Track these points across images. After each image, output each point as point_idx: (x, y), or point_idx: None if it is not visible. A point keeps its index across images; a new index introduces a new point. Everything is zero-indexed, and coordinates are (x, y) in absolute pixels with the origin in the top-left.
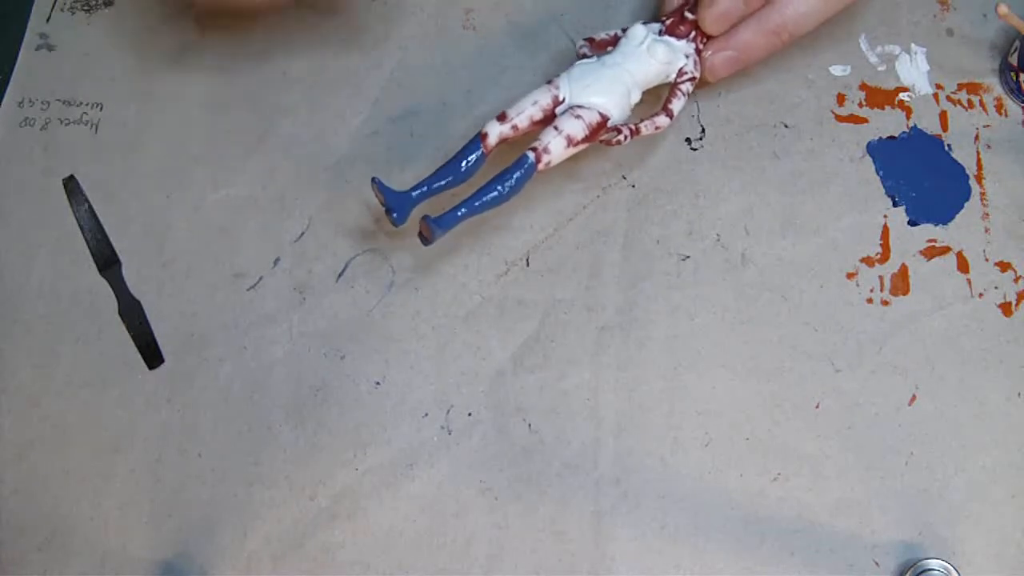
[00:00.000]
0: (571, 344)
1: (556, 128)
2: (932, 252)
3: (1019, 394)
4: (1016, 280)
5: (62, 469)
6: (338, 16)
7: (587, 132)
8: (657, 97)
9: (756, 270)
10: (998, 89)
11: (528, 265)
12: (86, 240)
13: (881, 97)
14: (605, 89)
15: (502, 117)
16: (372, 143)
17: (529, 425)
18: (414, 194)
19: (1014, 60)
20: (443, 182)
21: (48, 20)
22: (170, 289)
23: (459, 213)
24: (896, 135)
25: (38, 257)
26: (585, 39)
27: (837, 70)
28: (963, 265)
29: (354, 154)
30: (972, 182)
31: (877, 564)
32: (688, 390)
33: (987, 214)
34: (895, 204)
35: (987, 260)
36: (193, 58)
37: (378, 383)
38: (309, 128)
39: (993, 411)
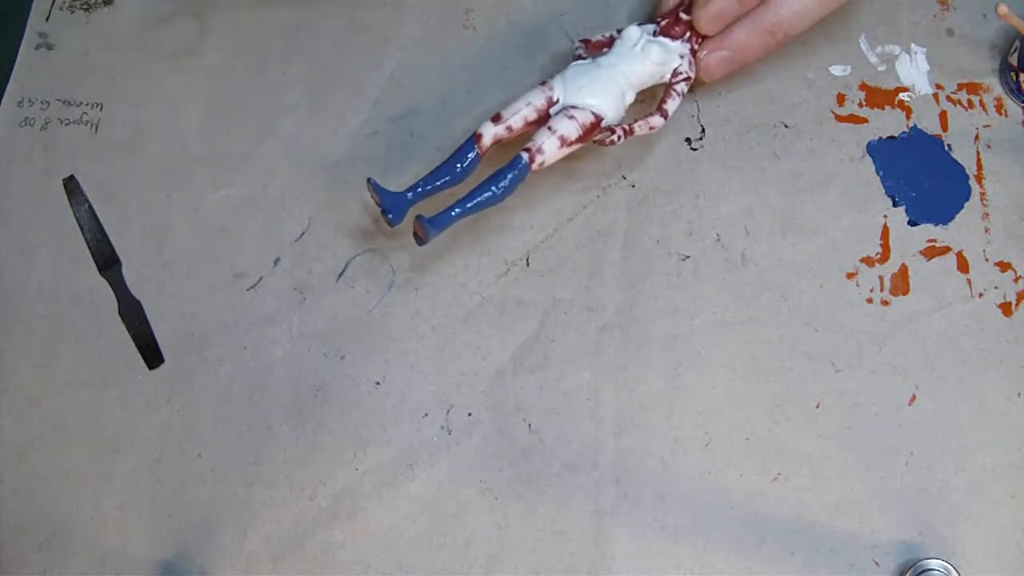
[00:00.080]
0: (571, 344)
1: (550, 128)
2: (932, 252)
3: (1019, 394)
4: (1016, 280)
5: (62, 469)
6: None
7: (580, 132)
8: (653, 98)
9: (756, 270)
10: (998, 89)
11: (528, 265)
12: (86, 240)
13: (881, 97)
14: (599, 90)
15: (496, 118)
16: (372, 143)
17: (529, 425)
18: (409, 195)
19: (1014, 60)
20: (438, 183)
21: (47, 19)
22: (170, 289)
23: (453, 213)
24: (896, 135)
25: (38, 257)
26: (580, 40)
27: (837, 70)
28: (963, 265)
29: (354, 154)
30: (972, 182)
31: (877, 564)
32: (688, 390)
33: (987, 214)
34: (895, 204)
35: (987, 260)
36: (193, 58)
37: (378, 383)
38: (309, 128)
39: (993, 411)
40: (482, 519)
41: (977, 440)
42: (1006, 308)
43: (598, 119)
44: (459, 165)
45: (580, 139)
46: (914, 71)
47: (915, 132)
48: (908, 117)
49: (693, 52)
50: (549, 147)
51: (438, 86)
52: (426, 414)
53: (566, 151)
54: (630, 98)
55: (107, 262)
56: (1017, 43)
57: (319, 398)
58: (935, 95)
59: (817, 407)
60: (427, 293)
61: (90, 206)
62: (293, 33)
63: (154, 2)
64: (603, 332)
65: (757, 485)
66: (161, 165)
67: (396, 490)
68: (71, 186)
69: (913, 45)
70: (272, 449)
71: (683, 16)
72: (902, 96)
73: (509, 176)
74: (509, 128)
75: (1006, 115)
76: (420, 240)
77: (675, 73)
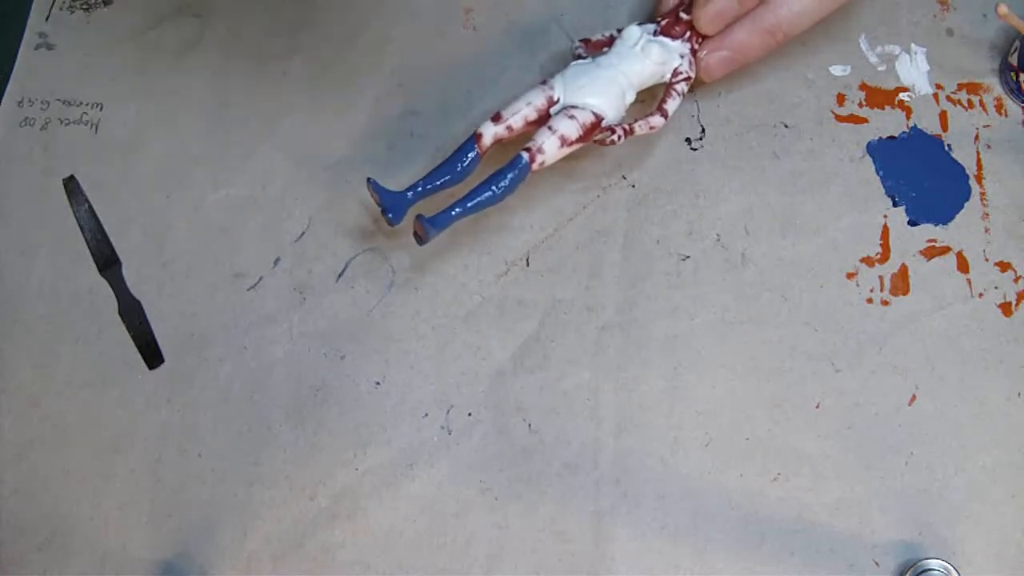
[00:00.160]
0: (571, 344)
1: (550, 128)
2: (932, 252)
3: (1019, 394)
4: (1016, 280)
5: (62, 469)
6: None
7: (581, 132)
8: (653, 97)
9: (756, 270)
10: (998, 89)
11: (528, 265)
12: (86, 240)
13: (881, 97)
14: (599, 90)
15: (496, 118)
16: (372, 143)
17: (529, 425)
18: (409, 194)
19: (1014, 60)
20: (438, 182)
21: (47, 19)
22: (170, 289)
23: (453, 213)
24: (896, 135)
25: (38, 257)
26: (580, 40)
27: (837, 70)
28: (963, 265)
29: (354, 154)
30: (972, 182)
31: (877, 564)
32: (688, 390)
33: (987, 214)
34: (895, 204)
35: (987, 260)
36: (193, 58)
37: (378, 383)
38: (309, 128)
39: (993, 411)
40: (482, 519)
41: (977, 440)
42: (1006, 308)
43: (598, 119)
44: (459, 165)
45: (580, 139)
46: (914, 71)
47: (915, 132)
48: (908, 117)
49: (693, 52)
50: (549, 147)
51: (438, 86)
52: (426, 414)
53: (566, 151)
54: (630, 98)
55: (107, 262)
56: (1017, 43)
57: (319, 398)
58: (935, 95)
59: (817, 407)
60: (427, 293)
61: (90, 206)
62: (293, 33)
63: (154, 2)
64: (603, 332)
65: (757, 485)
66: (161, 165)
67: (396, 490)
68: (71, 186)
69: (913, 45)
70: (272, 449)
71: (683, 16)
72: (902, 96)
73: (509, 176)
74: (509, 128)
75: (1006, 115)
76: (420, 240)
77: (675, 73)
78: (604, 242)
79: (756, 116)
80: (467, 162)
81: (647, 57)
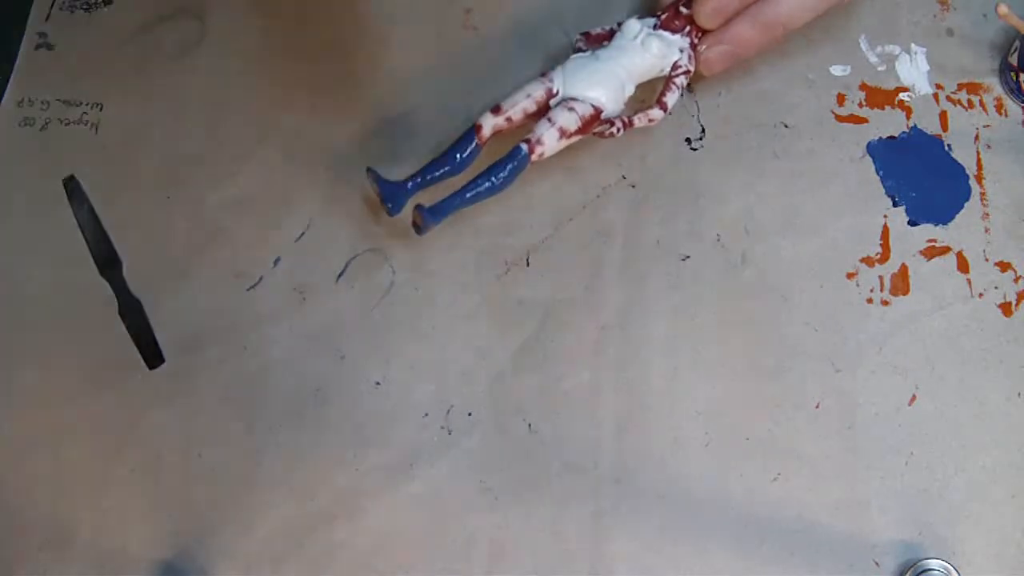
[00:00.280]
0: (571, 344)
1: (549, 120)
2: (932, 252)
3: (1019, 394)
4: (1016, 280)
5: (62, 469)
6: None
7: (580, 124)
8: (653, 91)
9: (756, 270)
10: (998, 89)
11: (528, 265)
12: (86, 240)
13: (881, 97)
14: (599, 82)
15: (496, 110)
16: (372, 143)
17: (529, 425)
18: (409, 185)
19: (1014, 60)
20: (437, 173)
21: (47, 19)
22: (170, 289)
23: (452, 203)
24: (896, 135)
25: (38, 257)
26: (581, 33)
27: (837, 70)
28: (963, 265)
29: (354, 154)
30: (972, 182)
31: (877, 564)
32: (688, 390)
33: (987, 214)
34: (895, 204)
35: (987, 260)
36: (193, 58)
37: (378, 383)
38: (309, 127)
39: (993, 411)
40: (482, 519)
41: (977, 440)
42: (1006, 308)
43: (598, 111)
44: (459, 155)
45: (580, 131)
46: (914, 71)
47: (915, 132)
48: (908, 117)
49: (693, 46)
50: (549, 138)
51: (438, 86)
52: (426, 414)
53: (566, 143)
54: (630, 91)
55: (107, 262)
56: (1017, 43)
57: (319, 398)
58: (935, 95)
59: (817, 407)
60: (427, 293)
61: (90, 206)
62: (293, 33)
63: (154, 2)
64: (603, 332)
65: (757, 485)
66: (161, 165)
67: (396, 490)
68: (71, 186)
69: (913, 45)
70: (272, 449)
71: (683, 10)
72: (902, 96)
73: (509, 167)
74: (509, 119)
75: (1006, 115)
76: (419, 229)
77: (675, 66)
78: (604, 242)
79: (756, 116)
80: (466, 153)
81: (647, 51)
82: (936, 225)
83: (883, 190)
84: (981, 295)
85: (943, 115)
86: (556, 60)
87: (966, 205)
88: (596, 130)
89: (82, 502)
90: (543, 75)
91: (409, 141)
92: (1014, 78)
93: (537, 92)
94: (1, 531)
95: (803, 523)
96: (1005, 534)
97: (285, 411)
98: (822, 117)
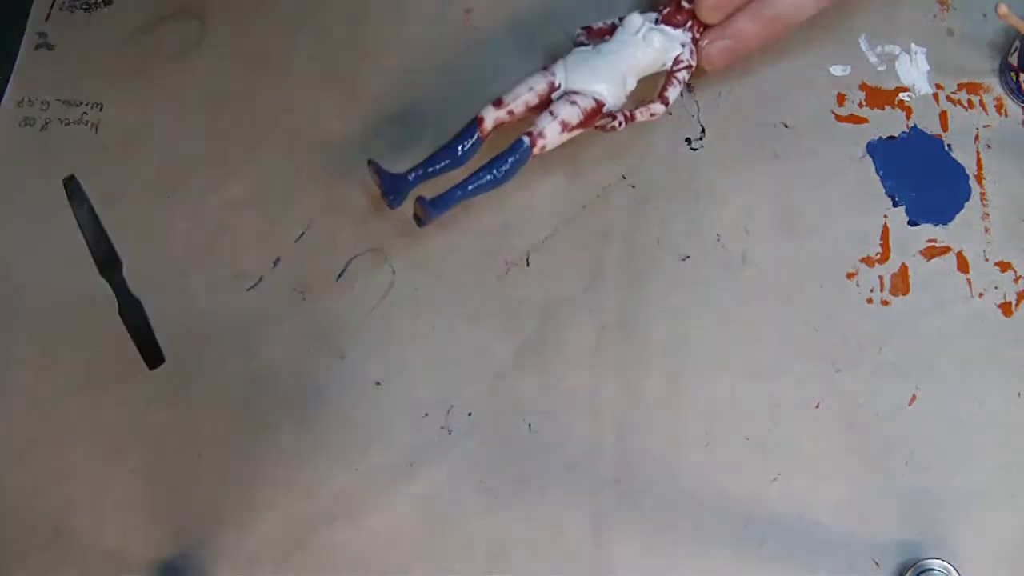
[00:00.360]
0: (571, 344)
1: (551, 113)
2: (932, 252)
3: (1019, 394)
4: (1016, 280)
5: (62, 469)
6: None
7: (582, 117)
8: (654, 87)
9: (756, 270)
10: (998, 89)
11: (528, 265)
12: (86, 240)
13: (881, 97)
14: (601, 75)
15: (498, 103)
16: (372, 143)
17: (529, 425)
18: (410, 178)
19: (1014, 60)
20: (439, 166)
21: (47, 19)
22: (170, 289)
23: (454, 195)
24: (896, 135)
25: (38, 257)
26: (582, 27)
27: (837, 70)
28: (963, 265)
29: (354, 154)
30: (972, 182)
31: (877, 564)
32: (688, 390)
33: (987, 214)
34: (895, 204)
35: (987, 260)
36: (193, 58)
37: (378, 383)
38: (309, 128)
39: (993, 411)
40: (482, 519)
41: (977, 440)
42: (1006, 308)
43: (599, 105)
44: (460, 148)
45: (581, 124)
46: (914, 71)
47: (915, 132)
48: (908, 117)
49: (695, 40)
50: (551, 131)
51: (438, 86)
52: (426, 414)
53: (567, 136)
54: (631, 85)
55: (107, 262)
56: (1017, 43)
57: (319, 398)
58: (935, 95)
59: (817, 407)
60: (427, 293)
61: (90, 206)
62: (293, 33)
63: (154, 2)
64: (603, 332)
65: (757, 485)
66: (161, 165)
67: (396, 490)
68: (71, 186)
69: (913, 45)
70: (272, 449)
71: (685, 4)
72: (902, 96)
73: (510, 160)
74: (510, 112)
75: (1006, 115)
76: (420, 222)
77: (676, 61)
78: (604, 242)
79: (756, 116)
80: (468, 146)
81: (648, 45)
82: (936, 225)
83: (883, 190)
84: (981, 295)
85: (943, 115)
86: (557, 59)
87: (966, 205)
88: (598, 124)
89: (82, 502)
90: (545, 68)
91: (409, 142)
92: (1014, 78)
93: (539, 85)
94: (1, 531)
95: (803, 523)
96: (1005, 534)
97: (285, 411)
98: (822, 117)
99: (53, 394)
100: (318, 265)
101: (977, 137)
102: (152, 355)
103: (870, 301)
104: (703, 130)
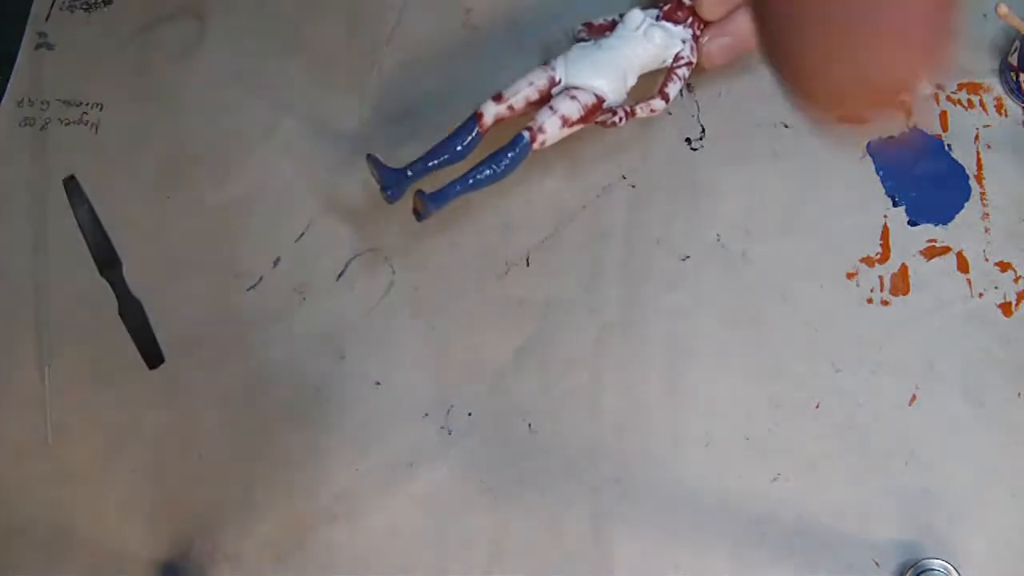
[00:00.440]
0: (571, 344)
1: (551, 108)
2: (932, 252)
3: (1019, 394)
4: (1016, 280)
5: (62, 469)
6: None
7: (582, 113)
8: (654, 83)
9: (756, 270)
10: (998, 89)
11: (528, 265)
12: (86, 240)
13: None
14: (601, 71)
15: (498, 97)
16: (372, 143)
17: (529, 425)
18: (409, 172)
19: (1014, 60)
20: (438, 161)
21: (47, 19)
22: (170, 289)
23: (453, 189)
24: (896, 135)
25: (38, 257)
26: (583, 24)
27: None
28: (963, 265)
29: (354, 154)
30: (972, 182)
31: (877, 564)
32: (688, 390)
33: (987, 214)
34: (895, 204)
35: (987, 260)
36: (193, 58)
37: (378, 383)
38: (309, 128)
39: (993, 411)
40: (482, 519)
41: (977, 440)
42: (1006, 308)
43: (600, 100)
44: (460, 144)
45: (582, 119)
46: None
47: (915, 132)
48: (908, 117)
49: (695, 37)
50: (551, 126)
51: (438, 85)
52: (426, 414)
53: (567, 131)
54: (632, 81)
55: (107, 262)
56: (1017, 43)
57: (319, 398)
58: (935, 95)
59: (817, 407)
60: (427, 293)
61: (90, 206)
62: (293, 33)
63: (154, 2)
64: (603, 332)
65: (757, 485)
66: (161, 165)
67: (396, 490)
68: (71, 186)
69: None
70: (272, 449)
71: (686, 1)
72: (902, 96)
73: (510, 154)
74: (510, 107)
75: (1006, 115)
76: (419, 216)
77: (677, 57)
78: (604, 242)
79: (756, 115)
80: (468, 141)
81: (649, 41)
82: (936, 225)
83: (883, 190)
84: (981, 295)
85: (943, 115)
86: (557, 55)
87: (966, 205)
88: (598, 119)
89: (82, 502)
90: (545, 63)
91: (410, 141)
92: (1014, 78)
93: (539, 80)
94: (1, 531)
95: (803, 523)
96: (1005, 534)
97: (285, 411)
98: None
99: (53, 394)
100: (318, 265)
101: (977, 137)
102: (152, 355)
103: (870, 301)
104: (703, 130)
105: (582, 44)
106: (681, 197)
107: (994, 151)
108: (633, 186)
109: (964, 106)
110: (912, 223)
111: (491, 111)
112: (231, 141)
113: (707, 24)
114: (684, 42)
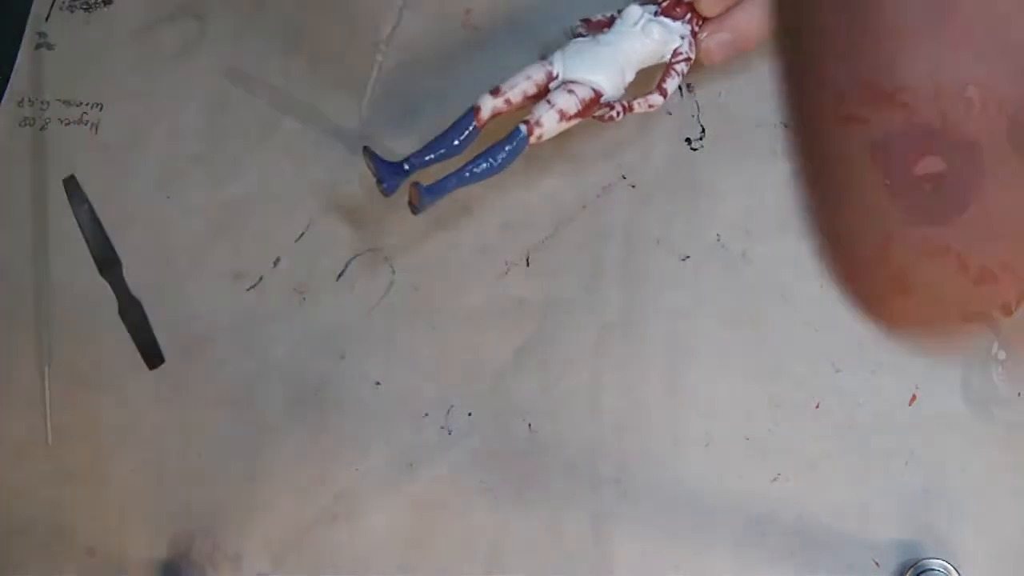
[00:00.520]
0: (571, 344)
1: (549, 102)
2: None
3: (1019, 394)
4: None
5: (62, 469)
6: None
7: (580, 107)
8: (652, 79)
9: (756, 270)
10: None
11: (528, 265)
12: (86, 240)
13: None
14: (599, 66)
15: (495, 91)
16: (372, 144)
17: (529, 425)
18: (406, 166)
19: None
20: (435, 155)
21: (47, 19)
22: (170, 289)
23: (449, 183)
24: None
25: (38, 257)
26: (581, 19)
27: None
28: None
29: (354, 154)
30: None
31: (877, 564)
32: (688, 390)
33: None
34: None
35: None
36: (193, 58)
37: (378, 383)
38: (309, 128)
39: (992, 411)
40: (482, 519)
41: (977, 440)
42: (1006, 308)
43: (597, 95)
44: (457, 138)
45: (579, 114)
46: None
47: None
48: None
49: (694, 33)
50: (548, 120)
51: (438, 86)
52: (426, 414)
53: (565, 125)
54: (630, 76)
55: (107, 262)
56: None
57: (319, 398)
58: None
59: (817, 407)
60: (427, 293)
61: (90, 206)
62: (293, 33)
63: (154, 2)
64: (603, 332)
65: (757, 485)
66: (161, 165)
67: (396, 490)
68: (71, 186)
69: None
70: (272, 449)
71: None
72: None
73: (507, 148)
74: (508, 101)
75: None
76: (415, 209)
77: (675, 53)
78: (604, 242)
79: (756, 115)
80: (465, 135)
81: (647, 36)
82: None
83: None
84: None
85: None
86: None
87: None
88: (596, 114)
89: (82, 502)
90: (543, 58)
91: (409, 141)
92: None
93: (537, 74)
94: (1, 531)
95: (803, 523)
96: (1005, 534)
97: (285, 411)
98: None
99: (53, 394)
100: (318, 265)
101: None
102: (152, 355)
103: None
104: (703, 130)
105: (580, 39)
106: (681, 197)
107: None
108: (633, 186)
109: None
110: None
111: (488, 105)
112: (231, 141)
113: (706, 20)
114: (683, 38)
